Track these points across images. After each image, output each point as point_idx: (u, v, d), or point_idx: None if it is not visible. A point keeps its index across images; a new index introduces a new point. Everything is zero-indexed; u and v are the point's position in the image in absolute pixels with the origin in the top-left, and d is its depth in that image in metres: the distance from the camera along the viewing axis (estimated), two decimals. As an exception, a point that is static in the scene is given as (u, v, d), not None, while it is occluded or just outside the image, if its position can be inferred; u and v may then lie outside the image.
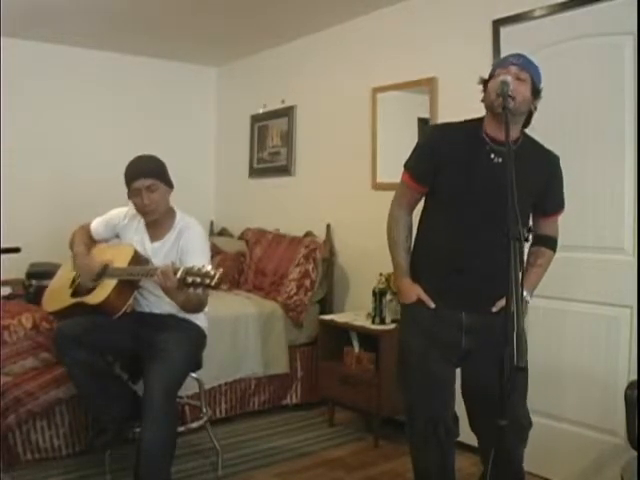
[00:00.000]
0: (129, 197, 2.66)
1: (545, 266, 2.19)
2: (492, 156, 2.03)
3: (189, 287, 2.25)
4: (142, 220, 2.74)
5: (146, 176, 2.59)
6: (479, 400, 2.11)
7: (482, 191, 2.02)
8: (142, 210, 2.64)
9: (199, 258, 2.54)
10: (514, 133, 2.01)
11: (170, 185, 2.69)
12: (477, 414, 2.16)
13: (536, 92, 2.02)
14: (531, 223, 2.16)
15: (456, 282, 2.08)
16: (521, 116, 2.03)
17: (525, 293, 2.06)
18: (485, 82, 2.05)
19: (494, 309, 2.05)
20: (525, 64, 2.01)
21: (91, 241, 2.85)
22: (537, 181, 2.08)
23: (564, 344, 2.76)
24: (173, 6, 3.64)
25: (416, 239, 2.24)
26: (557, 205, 2.19)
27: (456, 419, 2.23)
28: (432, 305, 2.12)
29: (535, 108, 2.06)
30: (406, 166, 2.22)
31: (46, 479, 2.75)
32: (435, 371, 2.13)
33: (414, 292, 2.15)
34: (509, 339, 1.55)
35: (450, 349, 2.12)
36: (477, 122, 2.11)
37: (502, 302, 1.98)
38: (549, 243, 2.19)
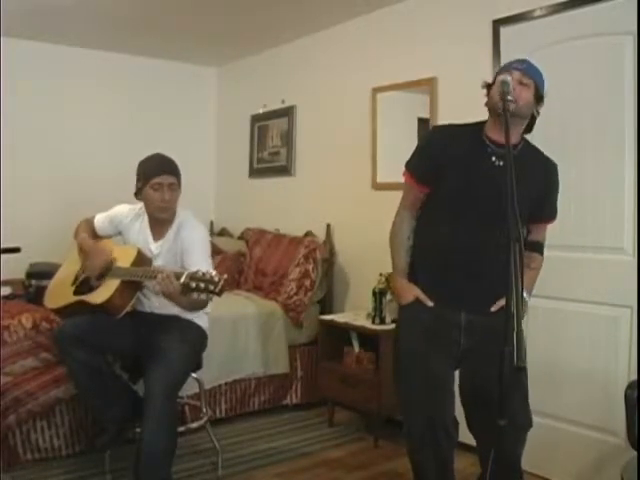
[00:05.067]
0: (141, 192, 2.63)
1: (538, 269, 2.21)
2: (493, 159, 2.03)
3: (192, 292, 2.23)
4: (145, 219, 2.74)
5: (170, 174, 2.61)
6: (477, 400, 2.11)
7: (482, 193, 2.02)
8: (160, 205, 2.61)
9: (198, 256, 2.55)
10: (515, 138, 2.02)
11: (180, 187, 2.70)
12: (475, 415, 2.16)
13: (539, 98, 2.03)
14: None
15: (455, 282, 2.09)
16: (523, 119, 2.04)
17: (525, 294, 2.07)
18: (489, 86, 2.06)
19: (493, 308, 2.06)
20: (528, 70, 2.02)
21: (94, 235, 2.86)
22: (535, 187, 2.08)
23: (564, 344, 2.76)
24: (173, 6, 3.64)
25: (415, 239, 2.23)
26: (550, 213, 2.20)
27: (456, 423, 2.22)
28: (430, 303, 2.11)
29: (538, 113, 2.07)
30: (407, 167, 2.23)
31: (46, 479, 2.75)
32: (434, 372, 2.11)
33: (410, 293, 2.15)
34: (509, 339, 1.55)
35: (449, 349, 2.11)
36: (479, 125, 2.11)
37: (502, 302, 1.98)
38: (538, 248, 2.21)
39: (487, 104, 2.05)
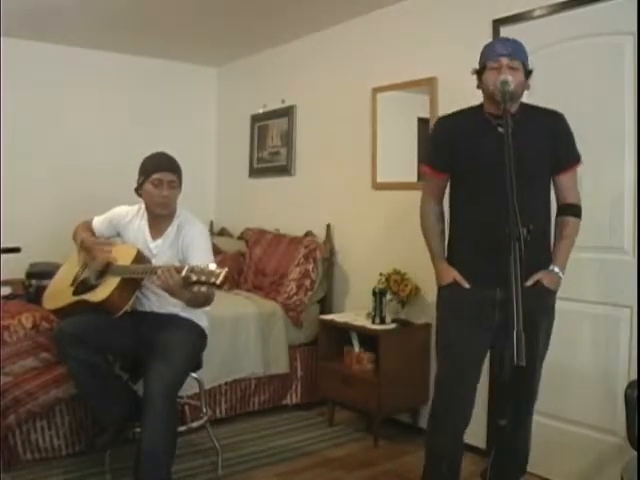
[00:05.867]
0: (142, 187, 2.67)
1: (572, 235, 2.24)
2: (500, 129, 2.06)
3: (193, 285, 2.24)
4: (144, 218, 2.75)
5: (172, 171, 2.66)
6: (505, 377, 2.18)
7: (498, 164, 2.02)
8: (158, 201, 2.65)
9: (201, 254, 2.56)
10: (513, 109, 2.10)
11: (181, 186, 2.73)
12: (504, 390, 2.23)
13: (528, 74, 2.12)
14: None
15: (489, 259, 2.10)
16: (519, 97, 2.14)
17: (557, 269, 2.17)
18: (479, 72, 2.16)
19: (528, 283, 2.08)
20: (514, 52, 2.09)
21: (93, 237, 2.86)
22: (546, 138, 2.14)
23: (564, 344, 2.74)
24: (173, 6, 3.64)
25: (449, 227, 2.32)
26: (573, 156, 2.23)
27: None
28: (467, 285, 2.18)
29: (528, 87, 2.16)
30: (423, 160, 2.36)
31: (46, 479, 2.75)
32: (468, 351, 2.19)
33: (449, 274, 2.22)
34: (510, 339, 1.55)
35: (484, 327, 2.16)
36: (478, 106, 2.22)
37: (537, 276, 2.10)
38: (572, 210, 2.24)
39: (480, 87, 2.16)
